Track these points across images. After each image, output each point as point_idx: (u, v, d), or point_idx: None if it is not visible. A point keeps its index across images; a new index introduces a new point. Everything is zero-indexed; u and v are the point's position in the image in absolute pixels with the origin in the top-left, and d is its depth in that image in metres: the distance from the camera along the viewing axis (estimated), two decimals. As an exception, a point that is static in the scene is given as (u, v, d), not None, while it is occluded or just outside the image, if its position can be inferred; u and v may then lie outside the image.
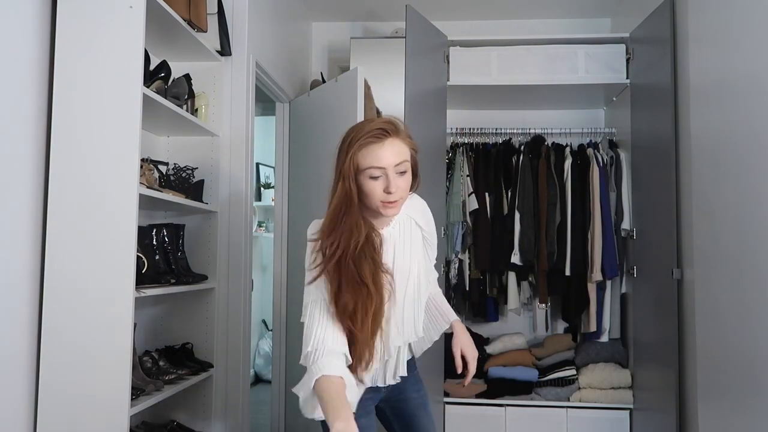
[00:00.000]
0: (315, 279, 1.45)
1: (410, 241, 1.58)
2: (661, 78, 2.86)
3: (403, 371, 1.63)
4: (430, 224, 1.66)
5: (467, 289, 3.55)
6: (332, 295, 1.44)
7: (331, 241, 1.44)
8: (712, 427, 2.26)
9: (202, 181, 2.63)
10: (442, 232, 3.25)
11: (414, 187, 1.53)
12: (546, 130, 3.65)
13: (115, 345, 1.91)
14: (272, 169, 3.91)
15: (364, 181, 1.43)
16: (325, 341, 1.40)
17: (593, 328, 3.39)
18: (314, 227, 1.53)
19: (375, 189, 1.42)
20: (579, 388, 3.35)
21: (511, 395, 3.37)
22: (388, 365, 1.60)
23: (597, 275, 3.34)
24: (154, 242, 2.40)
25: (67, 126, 1.94)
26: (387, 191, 1.42)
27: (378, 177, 1.42)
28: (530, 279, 3.53)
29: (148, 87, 2.11)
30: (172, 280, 2.32)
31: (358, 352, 1.45)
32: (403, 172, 1.44)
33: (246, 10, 2.80)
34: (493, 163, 3.56)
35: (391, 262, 1.54)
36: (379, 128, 1.42)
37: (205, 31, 2.51)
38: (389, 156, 1.41)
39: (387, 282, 1.49)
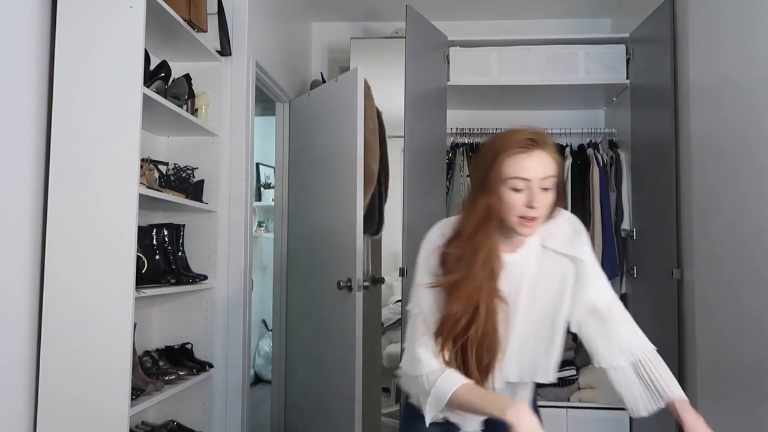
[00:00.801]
0: (430, 286, 1.39)
1: (543, 274, 1.43)
2: (661, 78, 2.86)
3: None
4: (580, 248, 1.44)
5: (467, 289, 3.54)
6: (442, 304, 1.38)
7: (458, 255, 1.36)
8: (712, 427, 2.26)
9: (202, 181, 2.63)
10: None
11: (555, 211, 1.40)
12: (546, 131, 3.64)
13: (115, 345, 1.91)
14: (272, 169, 3.91)
15: (505, 193, 1.32)
16: (433, 360, 1.36)
17: (593, 328, 3.39)
18: (439, 230, 1.45)
19: (516, 202, 1.32)
20: (579, 389, 3.35)
21: (511, 395, 3.37)
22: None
23: (597, 275, 3.34)
24: (154, 242, 2.40)
25: (67, 126, 1.94)
26: (529, 205, 1.31)
27: (521, 190, 1.32)
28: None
29: (148, 87, 2.11)
30: (172, 280, 2.32)
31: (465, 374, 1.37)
32: (547, 189, 1.33)
33: (246, 10, 2.80)
34: (493, 164, 3.56)
35: (512, 292, 1.40)
36: (529, 138, 1.33)
37: (205, 31, 2.51)
38: (536, 168, 1.31)
39: (502, 311, 1.38)
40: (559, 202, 1.39)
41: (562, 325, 1.42)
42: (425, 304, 1.40)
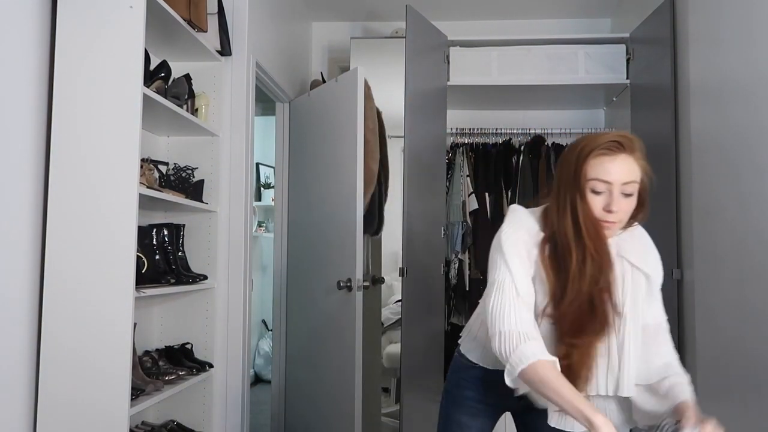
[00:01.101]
0: (520, 258, 1.36)
1: (630, 271, 1.41)
2: (661, 78, 2.86)
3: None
4: (653, 266, 1.42)
5: (467, 289, 3.55)
6: (551, 295, 1.36)
7: (566, 239, 1.33)
8: (712, 427, 2.26)
9: (202, 181, 2.63)
10: (442, 232, 3.25)
11: (639, 218, 1.40)
12: (546, 131, 3.65)
13: (114, 345, 1.91)
14: (272, 169, 3.91)
15: (586, 194, 1.32)
16: (524, 322, 1.31)
17: (593, 328, 3.39)
18: (530, 216, 1.42)
19: (595, 204, 1.31)
20: (579, 389, 3.35)
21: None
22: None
23: (597, 275, 3.34)
24: (154, 242, 2.40)
25: (68, 126, 1.94)
26: (607, 209, 1.30)
27: (601, 192, 1.31)
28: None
29: (148, 87, 2.11)
30: (172, 280, 2.32)
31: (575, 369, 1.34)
32: (629, 194, 1.32)
33: (246, 10, 2.80)
34: (493, 164, 3.56)
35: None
36: (615, 140, 1.31)
37: (206, 31, 2.51)
38: (619, 171, 1.30)
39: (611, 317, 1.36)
40: (642, 210, 1.37)
41: (638, 335, 1.40)
42: (520, 276, 1.36)
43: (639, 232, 1.44)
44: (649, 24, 3.04)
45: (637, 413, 1.43)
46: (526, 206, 1.47)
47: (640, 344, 1.40)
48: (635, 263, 1.40)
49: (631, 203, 1.33)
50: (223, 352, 2.69)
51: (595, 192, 1.31)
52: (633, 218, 1.38)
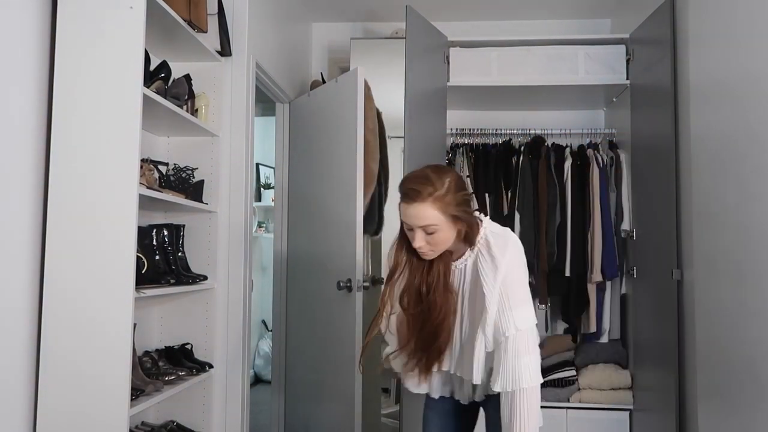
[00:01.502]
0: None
1: (470, 280, 1.67)
2: (661, 78, 2.86)
3: (473, 398, 1.84)
4: (493, 273, 1.59)
5: (467, 289, 3.54)
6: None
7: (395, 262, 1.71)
8: (712, 428, 2.26)
9: (202, 182, 2.63)
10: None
11: (471, 239, 1.62)
12: (546, 131, 3.65)
13: (114, 345, 1.91)
14: (272, 170, 3.91)
15: (405, 228, 1.63)
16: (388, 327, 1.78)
17: (593, 328, 3.39)
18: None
19: (410, 237, 1.60)
20: (579, 389, 3.35)
21: (511, 396, 3.36)
22: (461, 386, 1.83)
23: (597, 276, 3.34)
24: (154, 242, 2.40)
25: (67, 126, 1.94)
26: (414, 245, 1.59)
27: (411, 229, 1.58)
28: (530, 279, 3.52)
29: (148, 87, 2.11)
30: (172, 281, 2.32)
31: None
32: (431, 233, 1.55)
33: (246, 11, 2.80)
34: (493, 164, 3.56)
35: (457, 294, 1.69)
36: (410, 188, 1.55)
37: (206, 32, 2.51)
38: (413, 216, 1.55)
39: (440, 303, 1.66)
40: (466, 234, 1.60)
41: (481, 333, 1.61)
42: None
43: (501, 239, 1.63)
44: (649, 24, 3.04)
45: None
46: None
47: (482, 345, 1.63)
48: (484, 276, 1.60)
49: (439, 237, 1.56)
50: (223, 353, 2.69)
51: (409, 229, 1.59)
52: (465, 239, 1.61)
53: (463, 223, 1.58)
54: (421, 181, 1.54)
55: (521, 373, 1.56)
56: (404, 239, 1.65)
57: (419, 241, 1.56)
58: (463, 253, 1.66)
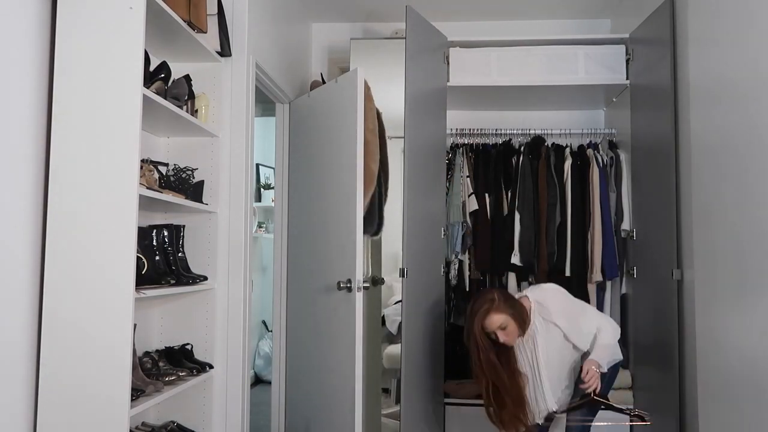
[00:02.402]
0: None
1: (541, 337, 2.51)
2: (661, 78, 2.86)
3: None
4: (558, 316, 2.47)
5: (467, 289, 3.54)
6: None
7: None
8: (713, 428, 2.26)
9: (202, 182, 2.63)
10: (442, 233, 3.25)
11: (523, 328, 2.48)
12: (546, 131, 3.65)
13: (114, 346, 1.91)
14: (272, 170, 3.91)
15: None
16: None
17: (593, 328, 3.39)
18: None
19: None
20: (579, 389, 3.35)
21: (511, 396, 3.36)
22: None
23: (597, 276, 3.34)
24: (154, 243, 2.40)
25: (67, 126, 1.94)
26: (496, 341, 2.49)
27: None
28: (530, 280, 3.52)
29: (148, 88, 2.11)
30: (172, 281, 2.32)
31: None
32: (504, 328, 2.43)
33: (246, 11, 2.80)
34: (493, 164, 3.56)
35: (530, 353, 2.56)
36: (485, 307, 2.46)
37: (205, 32, 2.51)
38: (491, 325, 2.45)
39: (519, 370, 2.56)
40: (524, 324, 2.48)
41: (558, 366, 2.57)
42: None
43: (548, 300, 2.52)
44: (648, 24, 3.04)
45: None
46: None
47: (555, 377, 2.56)
48: (550, 319, 2.49)
49: (511, 328, 2.44)
50: (223, 353, 2.69)
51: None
52: (520, 325, 2.47)
53: (517, 321, 2.45)
54: (491, 299, 2.49)
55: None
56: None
57: (500, 336, 2.45)
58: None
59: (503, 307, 2.39)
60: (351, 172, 2.89)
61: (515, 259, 3.41)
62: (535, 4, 3.77)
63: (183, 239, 2.56)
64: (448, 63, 3.42)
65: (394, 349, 4.06)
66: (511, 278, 3.51)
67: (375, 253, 3.59)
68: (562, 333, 2.46)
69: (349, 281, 2.87)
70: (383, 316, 4.20)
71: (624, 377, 3.31)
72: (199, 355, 2.62)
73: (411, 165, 2.93)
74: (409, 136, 2.91)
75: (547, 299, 2.48)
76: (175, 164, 2.62)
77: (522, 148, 3.57)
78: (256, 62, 2.92)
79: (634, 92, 3.28)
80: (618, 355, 2.53)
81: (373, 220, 3.27)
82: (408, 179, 2.91)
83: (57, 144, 1.94)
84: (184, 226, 2.58)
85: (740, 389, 2.02)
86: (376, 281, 3.55)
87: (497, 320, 2.39)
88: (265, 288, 4.82)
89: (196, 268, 2.64)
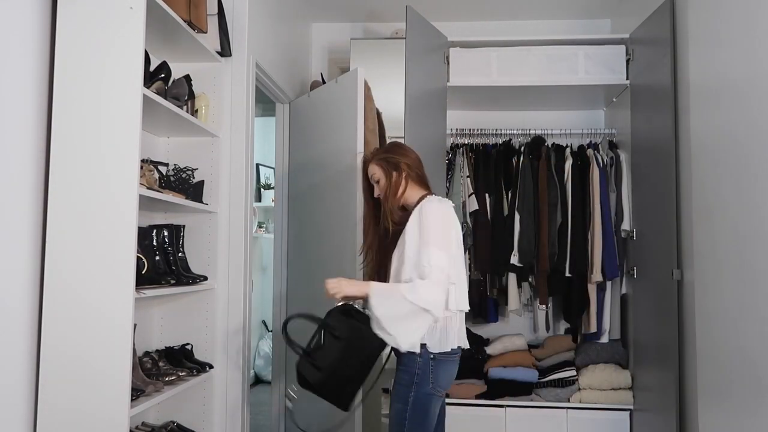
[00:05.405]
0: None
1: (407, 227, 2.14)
2: (661, 79, 2.86)
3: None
4: (411, 223, 2.09)
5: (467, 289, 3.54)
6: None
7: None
8: (713, 428, 2.26)
9: (202, 182, 2.63)
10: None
11: (395, 183, 2.17)
12: (546, 131, 3.65)
13: (115, 346, 1.91)
14: (272, 170, 3.91)
15: None
16: None
17: (593, 329, 3.39)
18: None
19: None
20: (579, 389, 3.35)
21: (511, 396, 3.37)
22: None
23: (597, 276, 3.34)
24: (154, 243, 2.40)
25: (67, 126, 1.94)
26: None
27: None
28: (530, 280, 3.52)
29: (148, 88, 2.11)
30: (172, 281, 2.32)
31: None
32: (377, 182, 2.20)
33: (246, 11, 2.80)
34: (493, 164, 3.56)
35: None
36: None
37: (206, 32, 2.51)
38: (370, 171, 2.23)
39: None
40: (395, 175, 2.17)
41: (397, 269, 2.15)
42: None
43: (426, 201, 2.13)
44: (648, 24, 3.04)
45: None
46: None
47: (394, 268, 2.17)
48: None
49: (379, 187, 2.19)
50: (223, 353, 2.69)
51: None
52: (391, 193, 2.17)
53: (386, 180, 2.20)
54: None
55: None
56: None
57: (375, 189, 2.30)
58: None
59: (386, 167, 2.16)
60: (351, 172, 2.89)
61: (515, 259, 3.41)
62: (535, 4, 3.77)
63: (183, 239, 2.56)
64: (448, 63, 3.42)
65: (394, 349, 4.05)
66: (512, 278, 3.51)
67: (375, 253, 3.58)
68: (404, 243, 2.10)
69: (349, 281, 2.87)
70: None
71: (624, 377, 3.31)
72: (199, 355, 2.61)
73: (411, 165, 2.92)
74: (409, 136, 2.91)
75: (427, 213, 2.08)
76: (175, 164, 2.62)
77: (522, 149, 3.57)
78: (256, 62, 2.92)
79: (634, 92, 3.28)
80: (401, 337, 2.10)
81: (373, 220, 3.26)
82: (408, 179, 2.90)
83: (57, 144, 1.94)
84: (184, 226, 2.58)
85: (740, 389, 2.02)
86: (376, 281, 3.54)
87: (371, 170, 2.21)
88: (265, 288, 4.82)
89: (196, 268, 2.64)
